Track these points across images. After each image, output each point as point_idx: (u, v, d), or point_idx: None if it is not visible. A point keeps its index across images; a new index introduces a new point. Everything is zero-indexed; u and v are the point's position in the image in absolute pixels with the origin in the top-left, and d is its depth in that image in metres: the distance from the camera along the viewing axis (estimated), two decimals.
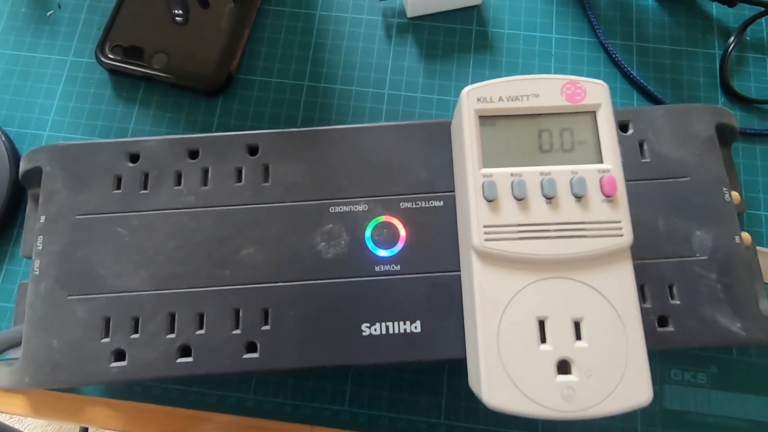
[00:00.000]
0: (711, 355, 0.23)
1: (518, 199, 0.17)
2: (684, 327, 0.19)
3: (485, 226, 0.17)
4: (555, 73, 0.28)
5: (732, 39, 0.27)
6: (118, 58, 0.27)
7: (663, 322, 0.19)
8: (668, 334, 0.19)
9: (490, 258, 0.17)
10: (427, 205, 0.21)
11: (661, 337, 0.19)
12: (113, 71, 0.27)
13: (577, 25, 0.28)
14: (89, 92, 0.27)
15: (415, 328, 0.19)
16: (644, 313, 0.19)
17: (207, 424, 0.23)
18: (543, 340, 0.16)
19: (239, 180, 0.21)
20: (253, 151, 0.22)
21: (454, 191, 0.21)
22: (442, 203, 0.21)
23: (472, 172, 0.17)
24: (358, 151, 0.21)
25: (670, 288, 0.20)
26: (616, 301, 0.16)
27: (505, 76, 0.28)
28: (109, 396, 0.23)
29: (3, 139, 0.26)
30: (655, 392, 0.23)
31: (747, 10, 0.28)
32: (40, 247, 0.20)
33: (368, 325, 0.19)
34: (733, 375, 0.23)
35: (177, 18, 0.28)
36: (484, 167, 0.17)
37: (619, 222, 0.17)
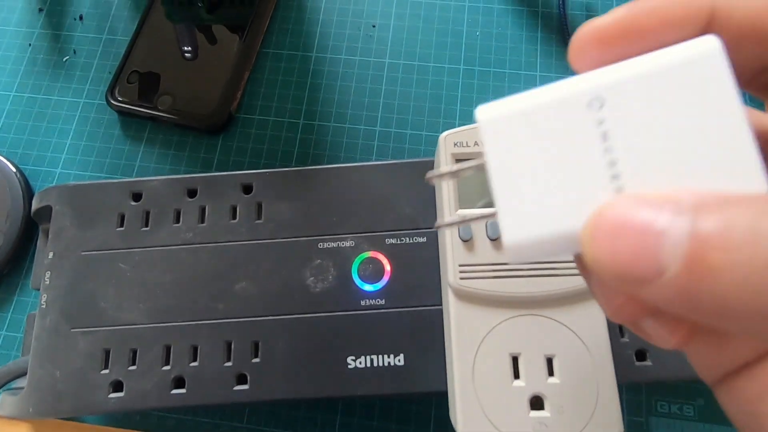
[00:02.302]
0: (698, 387, 0.24)
1: (492, 239, 0.18)
2: (662, 361, 0.20)
3: (460, 265, 0.18)
4: None
5: None
6: (127, 100, 0.29)
7: (641, 356, 0.20)
8: (646, 368, 0.20)
9: (465, 296, 0.17)
10: (411, 241, 0.22)
11: (640, 372, 0.20)
12: (122, 112, 0.29)
13: (561, 64, 0.30)
14: (99, 132, 0.29)
15: (399, 361, 0.20)
16: (622, 347, 0.19)
17: None
18: (516, 375, 0.17)
19: (234, 217, 0.23)
20: (247, 189, 0.23)
21: None
22: (425, 239, 0.22)
23: (449, 213, 0.18)
24: (347, 189, 0.23)
25: None
26: (587, 338, 0.17)
27: None
28: (109, 424, 0.24)
29: (18, 176, 0.28)
30: (641, 424, 0.23)
31: None
32: (48, 282, 0.22)
33: (353, 357, 0.20)
34: (720, 407, 0.23)
35: (186, 54, 0.30)
36: (459, 208, 0.18)
37: None
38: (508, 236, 0.09)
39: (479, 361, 0.17)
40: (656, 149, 0.08)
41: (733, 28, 0.09)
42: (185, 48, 0.30)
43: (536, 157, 0.09)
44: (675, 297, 0.07)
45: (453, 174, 0.11)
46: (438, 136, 0.28)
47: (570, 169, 0.09)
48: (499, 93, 0.29)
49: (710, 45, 0.08)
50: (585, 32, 0.10)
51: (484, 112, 0.10)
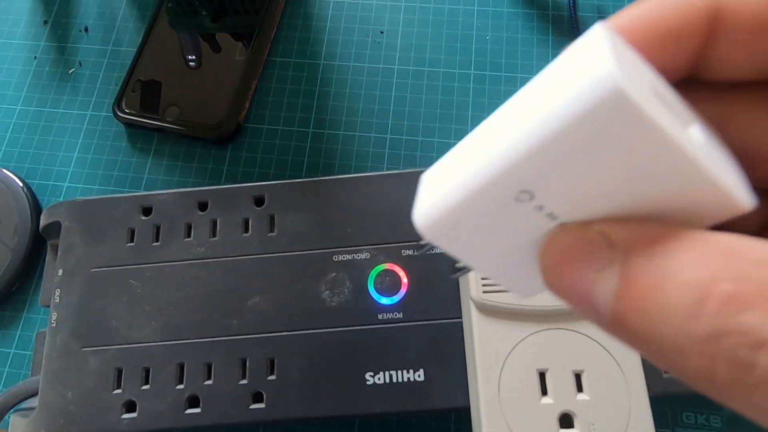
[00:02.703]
0: None
1: None
2: None
3: (483, 279, 0.17)
4: None
5: None
6: (133, 112, 0.28)
7: None
8: (674, 380, 0.19)
9: (488, 310, 0.17)
10: (428, 252, 0.21)
11: (668, 384, 0.19)
12: (129, 124, 0.29)
13: None
14: (106, 144, 0.29)
15: (419, 376, 0.19)
16: None
17: None
18: (544, 392, 0.16)
19: (246, 230, 0.22)
20: (259, 202, 0.23)
21: None
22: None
23: None
24: (361, 199, 0.22)
25: None
26: (615, 351, 0.16)
27: None
28: None
29: (25, 191, 0.27)
30: None
31: None
32: (58, 300, 0.21)
33: (372, 374, 0.20)
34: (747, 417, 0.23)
35: (190, 63, 0.29)
36: None
37: None
38: (519, 294, 0.10)
39: (505, 377, 0.16)
40: (604, 201, 0.08)
41: (745, 26, 0.08)
42: (189, 57, 0.30)
43: (487, 239, 0.09)
44: (611, 332, 0.08)
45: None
46: (450, 143, 0.28)
47: (522, 238, 0.09)
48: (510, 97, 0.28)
49: (605, 83, 0.07)
50: None
51: (419, 218, 0.09)
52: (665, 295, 0.07)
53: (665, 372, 0.19)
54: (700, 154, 0.07)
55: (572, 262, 0.08)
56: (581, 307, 0.08)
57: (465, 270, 0.11)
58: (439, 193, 0.09)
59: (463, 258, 0.10)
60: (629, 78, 0.07)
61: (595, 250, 0.08)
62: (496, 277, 0.10)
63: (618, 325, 0.08)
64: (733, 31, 0.08)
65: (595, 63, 0.07)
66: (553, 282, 0.08)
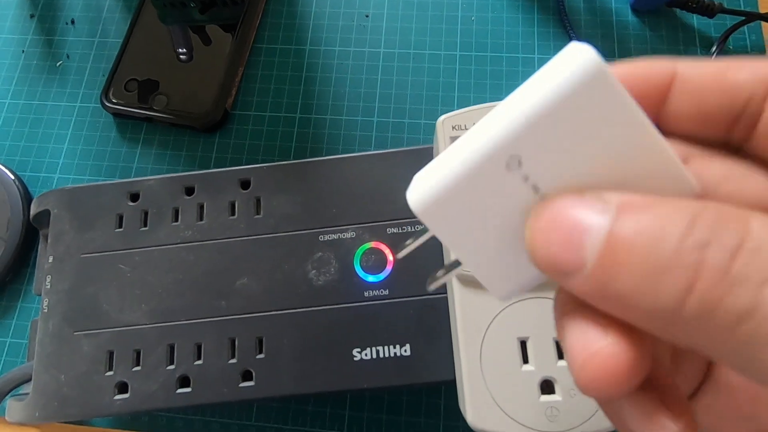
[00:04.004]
0: None
1: None
2: None
3: None
4: None
5: (714, 49, 0.28)
6: (122, 102, 0.28)
7: None
8: None
9: (469, 281, 0.17)
10: (412, 230, 0.21)
11: None
12: (117, 114, 0.29)
13: (558, 44, 0.29)
14: (96, 135, 0.29)
15: (405, 351, 0.20)
16: None
17: None
18: (525, 360, 0.16)
19: (233, 213, 0.22)
20: (245, 185, 0.23)
21: None
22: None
23: None
24: (345, 180, 0.22)
25: None
26: None
27: (489, 98, 0.29)
28: (117, 426, 0.24)
29: (17, 183, 0.27)
30: None
31: (728, 20, 0.28)
32: (49, 286, 0.22)
33: (359, 350, 0.20)
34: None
35: (181, 56, 0.29)
36: None
37: None
38: (496, 293, 0.10)
39: (486, 347, 0.17)
40: (583, 174, 0.09)
41: (695, 85, 0.10)
42: (180, 50, 0.30)
43: (477, 220, 0.09)
44: (590, 291, 0.08)
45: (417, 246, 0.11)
46: (436, 124, 0.28)
47: (507, 220, 0.09)
48: (497, 77, 0.29)
49: (588, 62, 0.08)
50: None
51: (414, 198, 0.10)
52: (659, 224, 0.08)
53: None
54: (661, 137, 0.09)
55: (566, 216, 0.08)
56: (565, 264, 0.08)
57: (441, 278, 0.12)
58: (434, 176, 0.09)
59: (451, 243, 0.10)
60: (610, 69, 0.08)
61: (590, 203, 0.08)
62: (478, 270, 0.10)
63: (608, 266, 0.08)
64: (682, 90, 0.10)
65: (583, 53, 0.08)
66: (539, 240, 0.09)
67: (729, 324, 0.07)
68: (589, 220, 0.08)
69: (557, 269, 0.08)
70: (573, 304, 0.09)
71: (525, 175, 0.09)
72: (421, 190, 0.09)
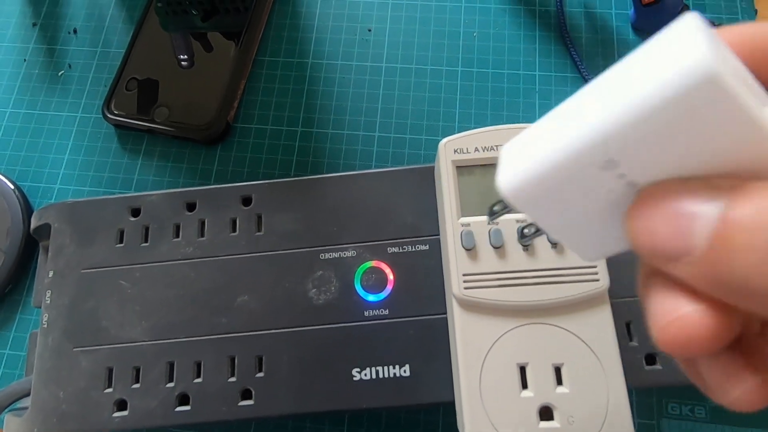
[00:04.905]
0: None
1: (496, 247, 0.18)
2: (672, 365, 0.19)
3: (464, 275, 0.17)
4: (539, 109, 0.28)
5: None
6: (123, 113, 0.28)
7: (651, 360, 0.20)
8: (656, 372, 0.19)
9: (470, 306, 0.17)
10: (413, 250, 0.21)
11: (650, 376, 0.19)
12: (119, 126, 0.29)
13: (559, 62, 0.29)
14: (97, 146, 0.29)
15: (405, 372, 0.20)
16: (631, 351, 0.19)
17: None
18: (524, 386, 0.17)
19: (234, 230, 0.22)
20: (246, 201, 0.23)
21: (438, 235, 0.21)
22: (427, 247, 0.21)
23: (451, 221, 0.18)
24: (347, 198, 0.22)
25: None
26: (595, 345, 0.17)
27: (490, 113, 0.29)
28: None
29: (17, 194, 0.27)
30: (653, 427, 0.23)
31: None
32: (49, 301, 0.22)
33: (358, 370, 0.20)
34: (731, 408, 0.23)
35: (183, 63, 0.29)
36: (462, 216, 0.18)
37: (594, 267, 0.17)
38: (584, 257, 0.11)
39: (486, 371, 0.17)
40: (685, 168, 0.08)
41: None
42: (181, 57, 0.30)
43: (566, 204, 0.10)
44: (700, 275, 0.08)
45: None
46: (437, 140, 0.28)
47: (600, 205, 0.09)
48: (498, 93, 0.29)
49: (700, 66, 0.07)
50: None
51: (505, 181, 0.10)
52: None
53: (647, 364, 0.19)
54: None
55: (673, 201, 0.08)
56: (671, 249, 0.08)
57: (534, 230, 0.12)
58: (527, 160, 0.09)
59: (539, 221, 0.10)
60: (720, 62, 0.07)
61: (697, 189, 0.08)
62: (565, 240, 0.10)
63: (710, 268, 0.08)
64: None
65: (691, 46, 0.08)
66: (645, 225, 0.09)
67: None
68: (698, 206, 0.08)
69: (660, 254, 0.08)
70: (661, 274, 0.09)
71: (621, 173, 0.09)
72: (511, 174, 0.10)
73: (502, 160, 0.10)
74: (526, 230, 0.12)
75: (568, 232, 0.10)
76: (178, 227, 0.22)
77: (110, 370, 0.20)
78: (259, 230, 0.22)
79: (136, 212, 0.23)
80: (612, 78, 0.09)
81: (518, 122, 0.30)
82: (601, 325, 0.17)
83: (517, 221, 0.18)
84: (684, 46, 0.08)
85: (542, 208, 0.10)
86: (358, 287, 0.21)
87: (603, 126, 0.08)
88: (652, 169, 0.08)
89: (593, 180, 0.09)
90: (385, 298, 0.21)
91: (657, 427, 0.23)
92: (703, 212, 0.08)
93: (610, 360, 0.17)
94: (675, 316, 0.08)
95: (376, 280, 0.21)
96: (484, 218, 0.18)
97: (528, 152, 0.09)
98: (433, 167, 0.22)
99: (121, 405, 0.20)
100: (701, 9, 0.30)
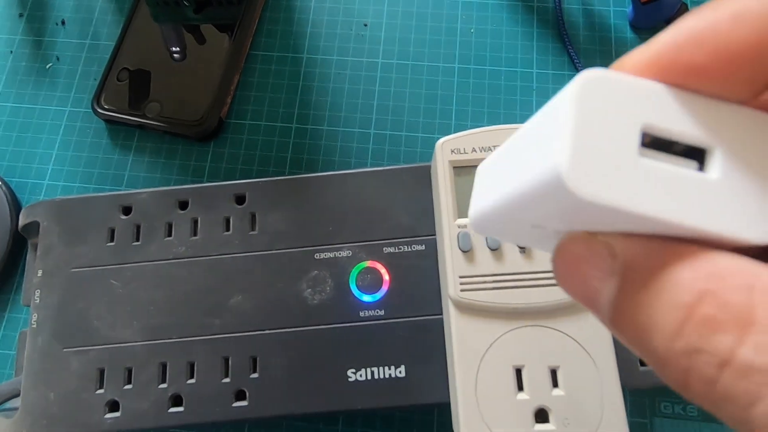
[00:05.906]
0: None
1: (492, 249, 0.17)
2: None
3: (461, 277, 0.17)
4: (537, 107, 0.28)
5: None
6: (114, 108, 0.28)
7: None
8: (651, 373, 0.19)
9: (466, 308, 0.17)
10: (409, 250, 0.21)
11: (644, 377, 0.19)
12: (109, 121, 0.28)
13: (557, 59, 0.29)
14: (86, 141, 0.28)
15: (400, 372, 0.20)
16: (626, 352, 0.19)
17: None
18: (520, 388, 0.17)
19: (227, 229, 0.22)
20: (240, 200, 0.22)
21: (435, 235, 0.21)
22: (423, 247, 0.21)
23: (447, 222, 0.18)
24: (342, 197, 0.22)
25: None
26: (590, 347, 0.17)
27: (487, 111, 0.29)
28: None
29: (4, 189, 0.27)
30: (645, 425, 0.23)
31: None
32: (38, 301, 0.21)
33: (354, 370, 0.20)
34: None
35: (175, 55, 0.29)
36: (458, 218, 0.18)
37: None
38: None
39: (482, 374, 0.17)
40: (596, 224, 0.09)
41: None
42: (173, 49, 0.29)
43: (517, 230, 0.11)
44: (608, 327, 0.09)
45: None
46: (434, 138, 0.28)
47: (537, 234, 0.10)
48: (494, 91, 0.28)
49: (554, 172, 0.07)
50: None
51: (470, 218, 0.11)
52: (654, 313, 0.07)
53: (641, 365, 0.19)
54: (689, 203, 0.07)
55: (579, 268, 0.09)
56: (588, 308, 0.09)
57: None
58: (483, 197, 0.10)
59: (500, 239, 0.11)
60: (587, 154, 0.07)
61: (599, 260, 0.08)
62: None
63: (615, 329, 0.08)
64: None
65: (557, 140, 0.07)
66: (563, 284, 0.09)
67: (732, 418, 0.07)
68: (597, 283, 0.08)
69: (580, 301, 0.09)
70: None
71: (544, 227, 0.09)
72: (473, 208, 0.11)
73: (475, 186, 0.11)
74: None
75: (534, 245, 0.11)
76: (170, 226, 0.22)
77: (101, 371, 0.20)
78: (253, 229, 0.22)
79: (127, 210, 0.22)
80: (521, 143, 0.09)
81: (515, 119, 0.29)
82: (597, 327, 0.17)
83: None
84: (554, 138, 0.08)
85: (499, 233, 0.11)
86: (353, 287, 0.21)
87: (507, 198, 0.09)
88: (564, 228, 0.09)
89: (529, 225, 0.10)
90: (380, 299, 0.21)
91: (650, 426, 0.23)
92: (603, 288, 0.08)
93: (605, 362, 0.17)
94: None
95: (371, 281, 0.21)
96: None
97: (487, 184, 0.10)
98: (428, 166, 0.22)
99: (113, 406, 0.20)
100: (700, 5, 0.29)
